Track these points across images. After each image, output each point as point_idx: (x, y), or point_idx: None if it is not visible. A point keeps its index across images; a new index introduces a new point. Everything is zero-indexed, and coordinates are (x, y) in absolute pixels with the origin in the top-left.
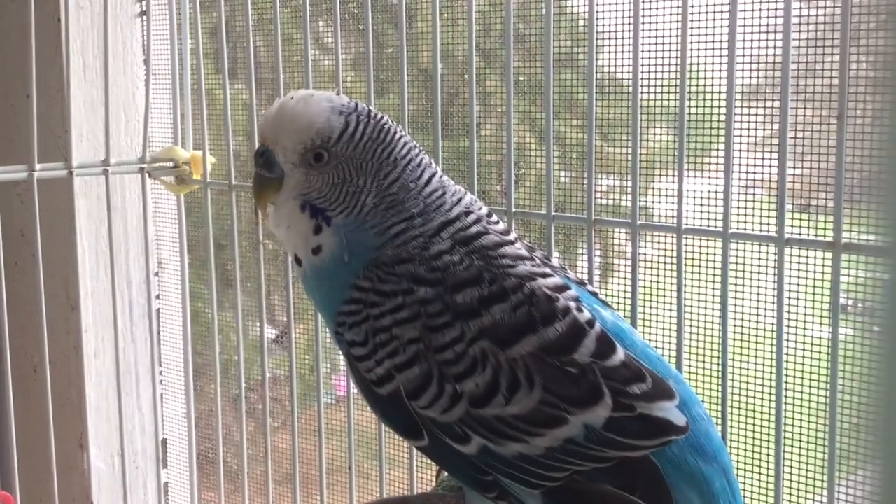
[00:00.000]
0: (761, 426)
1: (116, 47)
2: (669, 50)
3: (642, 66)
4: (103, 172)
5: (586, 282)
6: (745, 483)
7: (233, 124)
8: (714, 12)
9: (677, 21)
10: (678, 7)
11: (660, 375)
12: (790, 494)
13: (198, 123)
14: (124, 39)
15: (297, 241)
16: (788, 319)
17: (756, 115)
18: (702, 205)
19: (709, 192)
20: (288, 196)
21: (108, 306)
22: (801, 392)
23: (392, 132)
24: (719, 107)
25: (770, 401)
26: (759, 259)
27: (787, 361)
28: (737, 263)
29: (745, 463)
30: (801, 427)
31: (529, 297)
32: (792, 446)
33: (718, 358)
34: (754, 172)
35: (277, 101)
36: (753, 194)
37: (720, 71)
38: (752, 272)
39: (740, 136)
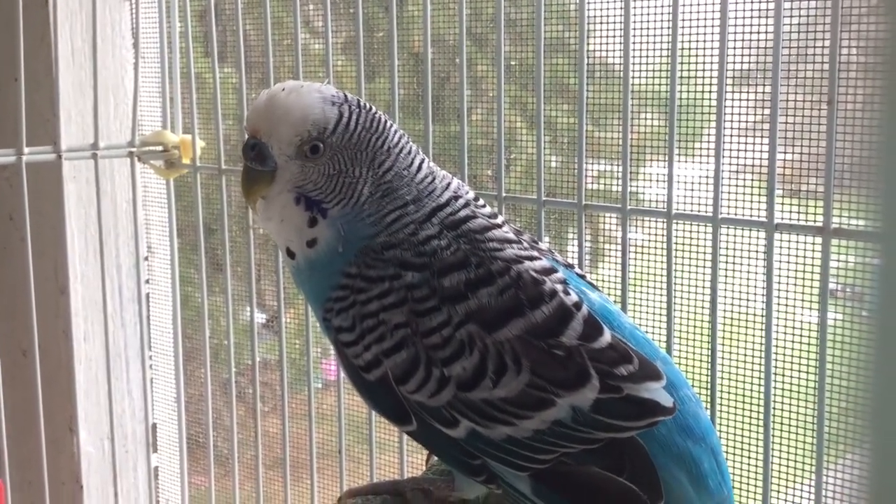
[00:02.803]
0: (750, 410)
1: (105, 30)
2: (660, 34)
3: (633, 50)
4: (92, 156)
5: (573, 265)
6: (733, 466)
7: (222, 108)
8: None
9: (668, 5)
10: None
11: (647, 357)
12: (778, 478)
13: (187, 107)
14: (113, 22)
15: (290, 235)
16: (778, 304)
17: (747, 100)
18: (692, 190)
19: (699, 177)
20: (282, 189)
21: (97, 290)
22: (790, 376)
23: (383, 121)
24: (710, 92)
25: (759, 385)
26: (749, 244)
27: (776, 346)
28: (727, 248)
29: (733, 446)
30: (789, 411)
31: (516, 280)
32: (781, 430)
33: (708, 342)
34: (744, 158)
35: (265, 92)
36: (743, 179)
37: (711, 56)
38: (741, 257)
39: (731, 121)
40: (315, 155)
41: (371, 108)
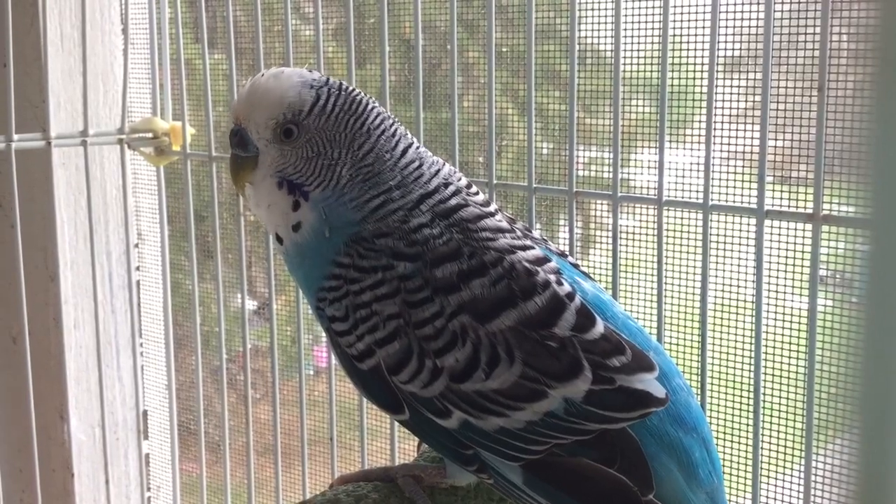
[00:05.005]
0: (740, 396)
1: (94, 16)
2: (651, 21)
3: (624, 37)
4: (82, 143)
5: (567, 253)
6: (723, 452)
7: (212, 94)
8: None
9: None
10: None
11: (640, 347)
12: (768, 464)
13: (177, 94)
14: (102, 7)
15: (277, 220)
16: (768, 291)
17: (737, 86)
18: (682, 176)
19: (689, 163)
20: (265, 174)
21: (87, 277)
22: (780, 363)
23: (364, 103)
24: (700, 79)
25: (749, 371)
26: (739, 231)
27: (765, 332)
28: (717, 235)
29: (723, 433)
30: (779, 397)
31: (509, 270)
32: (770, 416)
33: (698, 329)
34: (735, 144)
35: (250, 79)
36: (734, 166)
37: (702, 42)
38: (731, 244)
39: (721, 108)
40: (290, 138)
41: (352, 91)
